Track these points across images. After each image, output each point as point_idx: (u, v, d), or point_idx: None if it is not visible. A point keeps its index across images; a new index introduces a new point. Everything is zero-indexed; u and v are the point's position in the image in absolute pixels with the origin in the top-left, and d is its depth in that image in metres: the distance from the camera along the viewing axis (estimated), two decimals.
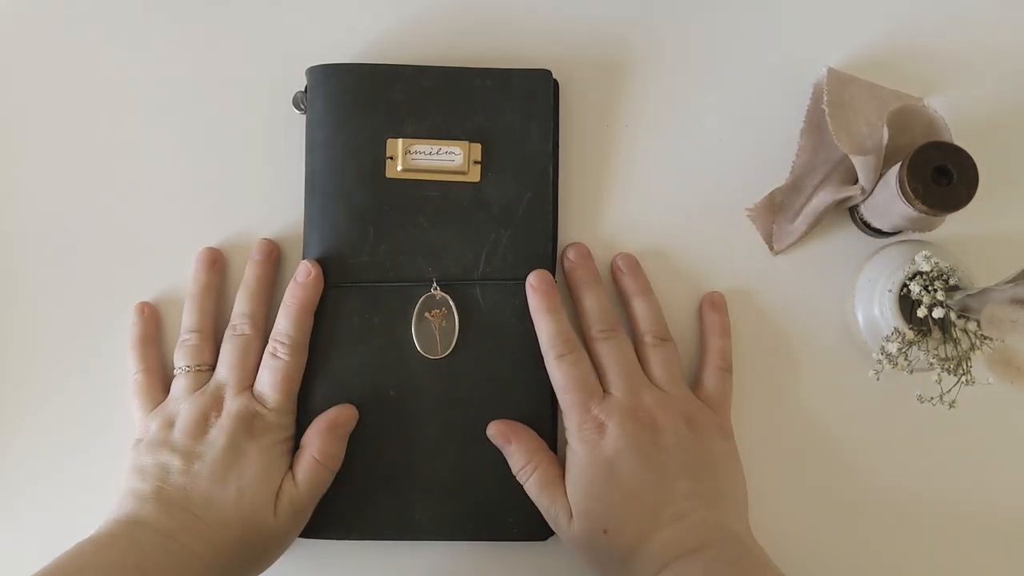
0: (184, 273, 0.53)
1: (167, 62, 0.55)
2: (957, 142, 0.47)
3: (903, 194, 0.47)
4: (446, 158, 0.51)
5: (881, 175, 0.51)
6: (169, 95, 0.55)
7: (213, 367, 0.50)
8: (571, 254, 0.52)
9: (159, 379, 0.51)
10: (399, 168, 0.51)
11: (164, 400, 0.50)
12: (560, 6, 0.56)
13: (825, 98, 0.52)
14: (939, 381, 0.47)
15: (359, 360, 0.50)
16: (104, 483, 0.51)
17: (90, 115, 0.55)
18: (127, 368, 0.52)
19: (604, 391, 0.49)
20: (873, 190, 0.51)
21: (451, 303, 0.50)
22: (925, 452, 0.53)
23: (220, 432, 0.47)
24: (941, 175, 0.47)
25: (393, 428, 0.50)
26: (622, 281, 0.52)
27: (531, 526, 0.50)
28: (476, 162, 0.51)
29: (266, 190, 0.54)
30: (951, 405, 0.47)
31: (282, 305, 0.50)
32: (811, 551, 0.53)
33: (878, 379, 0.49)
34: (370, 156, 0.51)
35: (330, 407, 0.50)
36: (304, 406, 0.50)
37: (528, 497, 0.49)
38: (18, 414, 0.53)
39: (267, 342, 0.50)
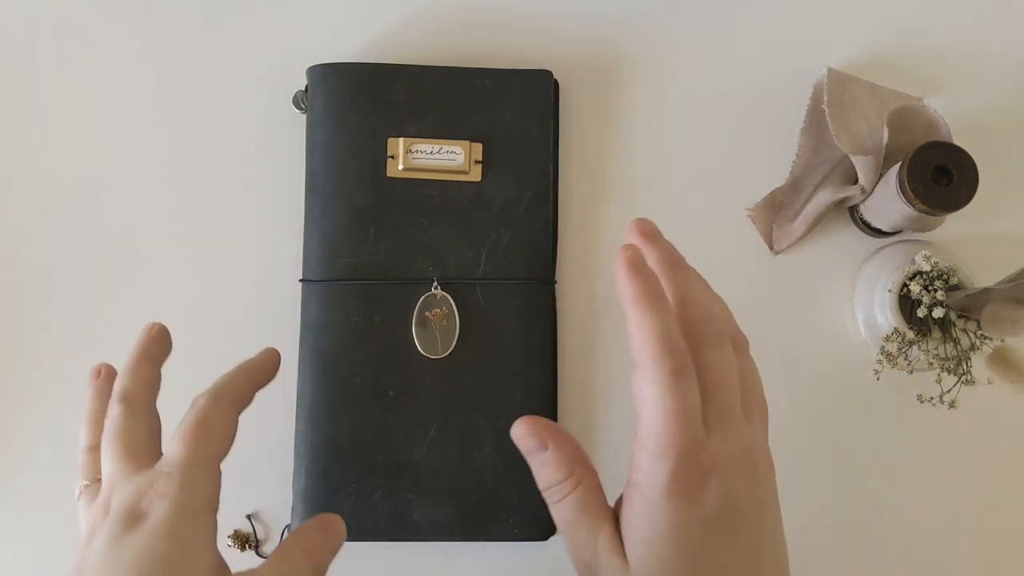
0: (181, 272, 0.53)
1: (167, 62, 0.55)
2: (957, 142, 0.47)
3: (903, 194, 0.47)
4: (447, 157, 0.51)
5: (881, 175, 0.51)
6: (169, 95, 0.55)
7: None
8: (638, 229, 0.39)
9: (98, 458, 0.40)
10: (400, 167, 0.51)
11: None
12: (561, 6, 0.56)
13: (825, 98, 0.52)
14: (939, 381, 0.47)
15: (359, 360, 0.50)
16: None
17: (89, 115, 0.55)
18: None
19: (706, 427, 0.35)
20: (873, 190, 0.51)
21: (452, 302, 0.50)
22: (925, 452, 0.53)
23: (102, 535, 0.35)
24: (941, 175, 0.47)
25: (393, 428, 0.50)
26: (655, 250, 0.39)
27: (532, 526, 0.50)
28: (477, 162, 0.51)
29: (266, 190, 0.54)
30: (951, 405, 0.47)
31: (236, 368, 0.42)
32: (811, 550, 0.52)
33: (878, 379, 0.49)
34: (371, 155, 0.51)
35: (330, 408, 0.50)
36: (305, 408, 0.50)
37: (529, 496, 0.48)
38: (19, 417, 0.53)
39: (152, 416, 0.41)
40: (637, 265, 0.35)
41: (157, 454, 0.39)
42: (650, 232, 0.38)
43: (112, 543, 0.34)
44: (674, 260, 0.38)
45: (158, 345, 0.43)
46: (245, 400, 0.41)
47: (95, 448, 0.40)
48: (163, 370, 0.52)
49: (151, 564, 0.33)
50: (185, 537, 0.34)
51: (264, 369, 0.42)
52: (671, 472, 0.33)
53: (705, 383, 0.35)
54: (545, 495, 0.37)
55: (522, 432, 0.37)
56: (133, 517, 0.35)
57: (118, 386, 0.41)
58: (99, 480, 0.39)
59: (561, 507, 0.36)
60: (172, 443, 0.37)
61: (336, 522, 0.40)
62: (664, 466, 0.33)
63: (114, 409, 0.40)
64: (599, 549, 0.35)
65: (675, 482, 0.33)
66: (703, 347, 0.35)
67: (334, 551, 0.39)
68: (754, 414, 0.37)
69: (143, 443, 0.39)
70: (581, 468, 0.36)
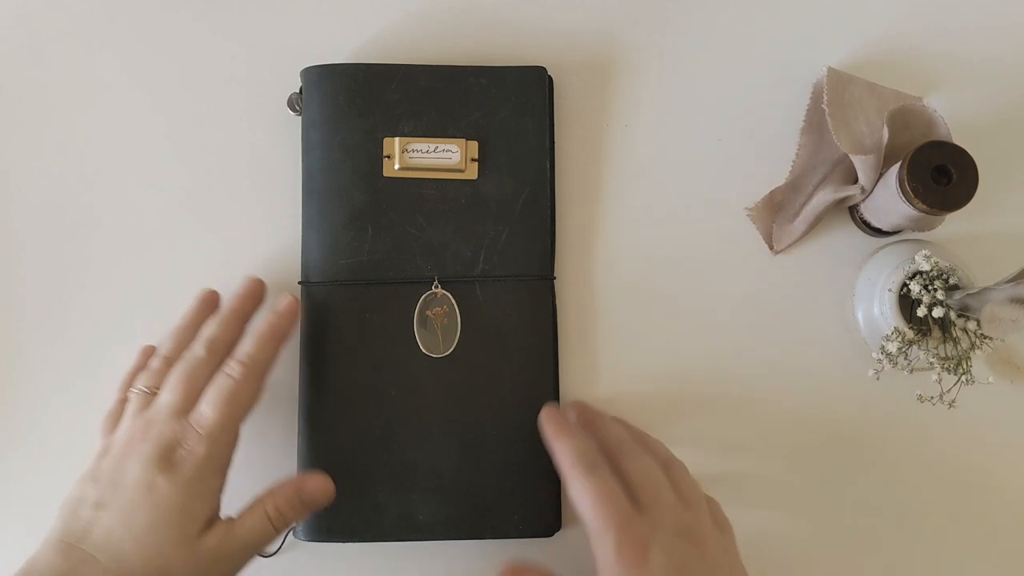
0: (179, 274, 0.53)
1: (162, 66, 0.55)
2: (957, 142, 0.47)
3: (903, 193, 0.47)
4: (443, 156, 0.51)
5: (881, 175, 0.51)
6: (164, 99, 0.55)
7: None
8: (572, 415, 0.50)
9: None
10: (396, 167, 0.51)
11: None
12: (555, 3, 0.56)
13: (825, 98, 0.52)
14: (939, 380, 0.47)
15: (359, 360, 0.50)
16: None
17: (85, 118, 0.55)
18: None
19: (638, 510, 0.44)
20: (873, 190, 0.51)
21: (452, 301, 0.50)
22: (925, 452, 0.53)
23: (136, 461, 0.43)
24: (941, 175, 0.47)
25: (395, 427, 0.50)
26: (587, 417, 0.50)
27: (536, 523, 0.50)
28: (473, 160, 0.51)
29: (263, 192, 0.54)
30: (951, 405, 0.47)
31: (251, 329, 0.48)
32: (810, 550, 0.52)
33: (878, 379, 0.49)
34: (367, 155, 0.51)
35: (332, 410, 0.50)
36: (307, 410, 0.50)
37: (533, 493, 0.49)
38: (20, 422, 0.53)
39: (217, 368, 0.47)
40: (548, 418, 0.47)
41: None
42: (585, 409, 0.50)
43: (145, 482, 0.43)
44: (597, 420, 0.48)
45: (251, 304, 0.50)
46: (273, 363, 0.48)
47: (170, 362, 0.47)
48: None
49: (168, 510, 0.42)
50: (198, 492, 0.44)
51: (286, 325, 0.49)
52: (613, 544, 0.41)
53: (631, 482, 0.44)
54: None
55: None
56: (166, 462, 0.43)
57: (210, 333, 0.48)
58: (155, 392, 0.46)
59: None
60: (206, 405, 0.45)
61: (313, 482, 0.47)
62: (607, 541, 0.41)
63: (197, 351, 0.47)
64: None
65: (619, 553, 0.41)
66: (622, 459, 0.45)
67: (306, 507, 0.46)
68: (691, 503, 0.44)
69: (200, 391, 0.46)
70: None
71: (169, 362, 0.48)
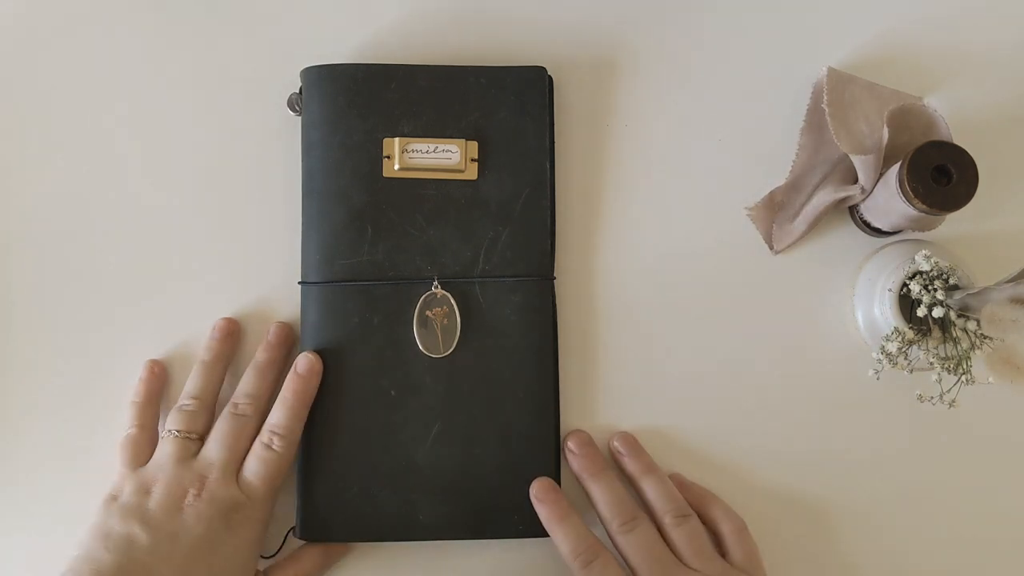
0: (179, 274, 0.53)
1: (161, 67, 0.55)
2: (957, 142, 0.47)
3: (903, 193, 0.47)
4: (443, 156, 0.51)
5: (881, 175, 0.51)
6: (164, 99, 0.55)
7: (203, 438, 0.49)
8: (572, 444, 0.51)
9: (151, 439, 0.50)
10: (396, 167, 0.51)
11: (148, 461, 0.49)
12: (555, 3, 0.56)
13: (825, 98, 0.52)
14: (939, 380, 0.47)
15: (359, 360, 0.50)
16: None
17: (83, 119, 0.55)
18: (123, 422, 0.51)
19: None
20: (873, 189, 0.51)
21: (452, 301, 0.50)
22: (925, 452, 0.53)
23: (198, 518, 0.45)
24: (941, 175, 0.47)
25: (395, 427, 0.50)
26: (625, 464, 0.51)
27: (537, 523, 0.50)
28: (473, 160, 0.51)
29: (263, 193, 0.54)
30: (951, 405, 0.47)
31: (280, 397, 0.49)
32: (810, 550, 0.52)
33: (878, 379, 0.49)
34: (367, 156, 0.51)
35: (332, 410, 0.50)
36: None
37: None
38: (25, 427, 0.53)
39: (261, 426, 0.49)
40: (542, 499, 0.49)
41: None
42: (585, 442, 0.52)
43: (209, 536, 0.45)
44: (592, 471, 0.50)
45: (284, 351, 0.52)
46: (303, 426, 0.50)
47: (206, 407, 0.50)
48: (164, 373, 0.52)
49: (224, 570, 0.46)
50: (257, 546, 0.48)
51: (312, 389, 0.50)
52: None
53: (628, 558, 0.47)
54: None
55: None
56: (228, 523, 0.46)
57: (251, 388, 0.50)
58: (197, 439, 0.49)
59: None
60: (253, 478, 0.47)
61: (338, 553, 0.51)
62: None
63: (246, 409, 0.49)
64: None
65: None
66: (616, 535, 0.48)
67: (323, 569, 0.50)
68: (697, 562, 0.46)
69: (246, 448, 0.48)
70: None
71: (203, 404, 0.50)
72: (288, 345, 0.52)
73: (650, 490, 0.49)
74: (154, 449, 0.49)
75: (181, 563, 0.44)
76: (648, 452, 0.51)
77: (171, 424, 0.49)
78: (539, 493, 0.49)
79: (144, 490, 0.47)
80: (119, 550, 0.44)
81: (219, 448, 0.48)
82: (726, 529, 0.49)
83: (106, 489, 0.48)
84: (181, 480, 0.46)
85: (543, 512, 0.48)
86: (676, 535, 0.47)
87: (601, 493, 0.49)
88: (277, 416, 0.49)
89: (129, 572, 0.43)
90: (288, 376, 0.49)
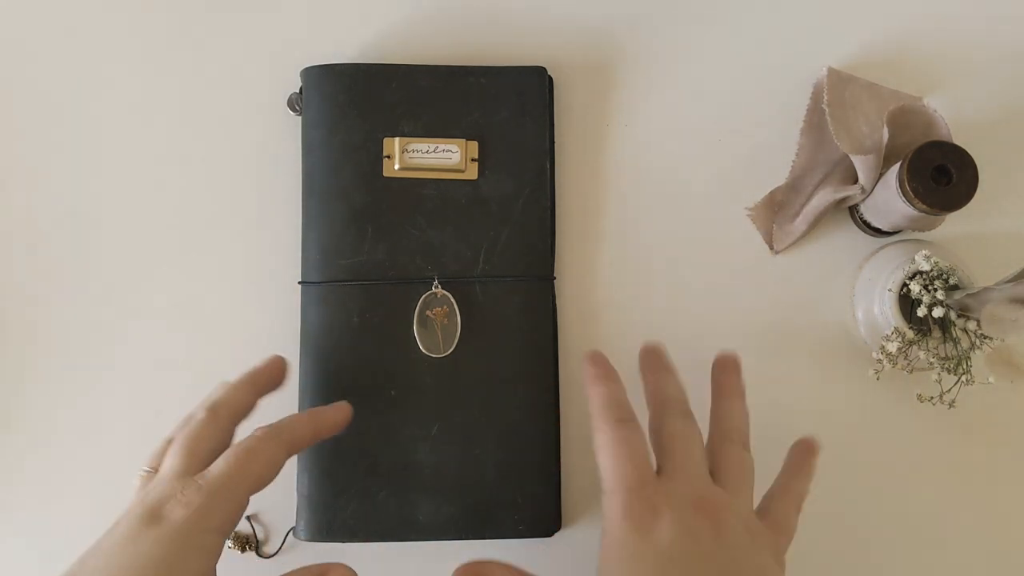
0: (179, 275, 0.53)
1: (161, 67, 0.55)
2: (957, 142, 0.47)
3: (903, 193, 0.47)
4: (443, 156, 0.51)
5: (881, 175, 0.51)
6: (164, 99, 0.55)
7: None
8: (646, 351, 0.47)
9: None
10: (396, 167, 0.51)
11: None
12: (555, 3, 0.56)
13: (825, 98, 0.52)
14: (939, 380, 0.47)
15: (359, 360, 0.50)
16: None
17: (83, 119, 0.55)
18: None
19: (662, 473, 0.41)
20: (873, 189, 0.51)
21: (452, 301, 0.50)
22: (925, 452, 0.53)
23: (124, 519, 0.38)
24: (941, 175, 0.47)
25: (395, 427, 0.50)
26: (720, 377, 0.47)
27: (537, 523, 0.50)
28: (473, 160, 0.51)
29: (263, 193, 0.54)
30: (951, 405, 0.47)
31: (304, 412, 0.47)
32: (810, 549, 0.52)
33: (878, 379, 0.49)
34: (367, 156, 0.51)
35: (329, 414, 0.50)
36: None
37: (533, 494, 0.49)
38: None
39: (228, 436, 0.44)
40: (595, 358, 0.45)
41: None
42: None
43: (128, 537, 0.37)
44: (660, 365, 0.46)
45: (266, 376, 0.46)
46: (301, 446, 0.44)
47: (169, 441, 0.42)
48: (163, 373, 0.52)
49: (146, 565, 0.36)
50: (186, 550, 0.37)
51: (331, 422, 0.46)
52: (622, 504, 0.39)
53: (660, 443, 0.42)
54: None
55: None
56: (153, 517, 0.38)
57: (211, 396, 0.44)
58: (157, 469, 0.41)
59: None
60: (217, 461, 0.40)
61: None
62: (616, 499, 0.39)
63: (197, 414, 0.43)
64: None
65: (626, 514, 0.38)
66: (663, 415, 0.43)
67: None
68: (730, 483, 0.41)
69: (204, 453, 0.41)
70: None
71: (168, 441, 0.43)
72: (276, 381, 0.47)
73: (733, 409, 0.45)
74: None
75: (104, 566, 0.37)
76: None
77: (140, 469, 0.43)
78: (590, 356, 0.45)
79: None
80: None
81: (169, 457, 0.41)
82: (784, 496, 0.45)
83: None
84: (129, 505, 0.40)
85: (588, 372, 0.44)
86: (731, 456, 0.43)
87: (665, 383, 0.45)
88: (286, 421, 0.44)
89: None
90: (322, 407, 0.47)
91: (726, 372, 0.47)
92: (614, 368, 0.45)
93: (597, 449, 0.41)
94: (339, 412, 0.46)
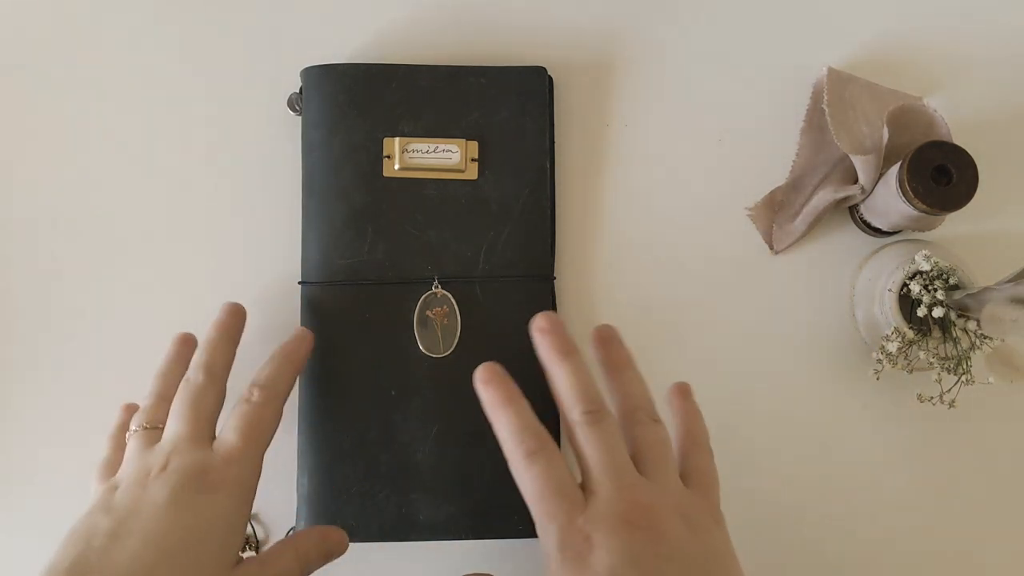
0: (179, 274, 0.53)
1: (161, 66, 0.55)
2: (957, 142, 0.47)
3: (903, 193, 0.47)
4: (443, 156, 0.51)
5: (881, 174, 0.51)
6: (163, 99, 0.55)
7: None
8: (543, 322, 0.44)
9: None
10: (396, 167, 0.51)
11: None
12: (555, 3, 0.56)
13: (825, 97, 0.52)
14: (939, 380, 0.47)
15: (359, 360, 0.50)
16: None
17: (83, 119, 0.55)
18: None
19: (587, 490, 0.40)
20: (873, 189, 0.51)
21: (452, 301, 0.50)
22: (925, 452, 0.53)
23: (162, 487, 0.41)
24: (941, 175, 0.47)
25: (396, 428, 0.50)
26: (604, 353, 0.45)
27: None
28: (473, 160, 0.51)
29: (263, 193, 0.54)
30: (951, 405, 0.47)
31: (271, 355, 0.47)
32: (810, 549, 0.52)
33: (878, 379, 0.49)
34: (367, 156, 0.51)
35: (332, 410, 0.50)
36: (307, 411, 0.50)
37: None
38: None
39: (224, 392, 0.46)
40: (487, 380, 0.42)
41: (215, 427, 0.45)
42: (555, 322, 0.44)
43: (178, 501, 0.40)
44: (561, 349, 0.43)
45: (236, 326, 0.49)
46: (290, 390, 0.47)
47: (165, 399, 0.46)
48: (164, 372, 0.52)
49: (206, 531, 0.40)
50: (234, 517, 0.42)
51: (303, 351, 0.48)
52: (556, 539, 0.38)
53: (581, 453, 0.40)
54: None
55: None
56: (202, 484, 0.41)
57: (202, 357, 0.46)
58: (160, 428, 0.45)
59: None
60: (229, 433, 0.43)
61: (336, 534, 0.46)
62: (549, 535, 0.38)
63: (197, 376, 0.45)
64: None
65: (561, 547, 0.38)
66: (576, 425, 0.41)
67: (326, 558, 0.45)
68: (656, 473, 0.40)
69: (211, 415, 0.45)
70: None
71: (163, 398, 0.46)
72: (241, 321, 0.49)
73: (628, 384, 0.44)
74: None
75: (151, 532, 0.39)
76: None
77: (132, 425, 0.46)
78: (483, 374, 0.43)
79: (112, 488, 0.43)
80: (78, 542, 0.40)
81: (177, 421, 0.44)
82: (690, 444, 0.44)
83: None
84: (145, 464, 0.43)
85: (486, 395, 0.42)
86: (645, 436, 0.42)
87: (566, 376, 0.42)
88: (262, 370, 0.46)
89: (84, 562, 0.39)
90: (283, 342, 0.48)
91: (610, 345, 0.45)
92: (514, 385, 0.42)
93: (518, 482, 0.40)
94: (303, 342, 0.48)
